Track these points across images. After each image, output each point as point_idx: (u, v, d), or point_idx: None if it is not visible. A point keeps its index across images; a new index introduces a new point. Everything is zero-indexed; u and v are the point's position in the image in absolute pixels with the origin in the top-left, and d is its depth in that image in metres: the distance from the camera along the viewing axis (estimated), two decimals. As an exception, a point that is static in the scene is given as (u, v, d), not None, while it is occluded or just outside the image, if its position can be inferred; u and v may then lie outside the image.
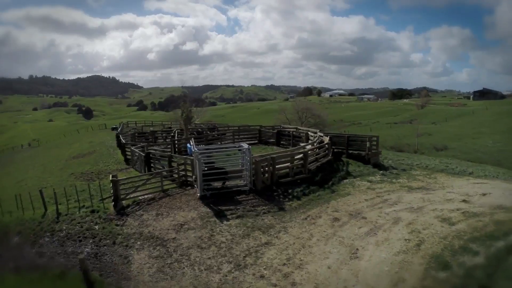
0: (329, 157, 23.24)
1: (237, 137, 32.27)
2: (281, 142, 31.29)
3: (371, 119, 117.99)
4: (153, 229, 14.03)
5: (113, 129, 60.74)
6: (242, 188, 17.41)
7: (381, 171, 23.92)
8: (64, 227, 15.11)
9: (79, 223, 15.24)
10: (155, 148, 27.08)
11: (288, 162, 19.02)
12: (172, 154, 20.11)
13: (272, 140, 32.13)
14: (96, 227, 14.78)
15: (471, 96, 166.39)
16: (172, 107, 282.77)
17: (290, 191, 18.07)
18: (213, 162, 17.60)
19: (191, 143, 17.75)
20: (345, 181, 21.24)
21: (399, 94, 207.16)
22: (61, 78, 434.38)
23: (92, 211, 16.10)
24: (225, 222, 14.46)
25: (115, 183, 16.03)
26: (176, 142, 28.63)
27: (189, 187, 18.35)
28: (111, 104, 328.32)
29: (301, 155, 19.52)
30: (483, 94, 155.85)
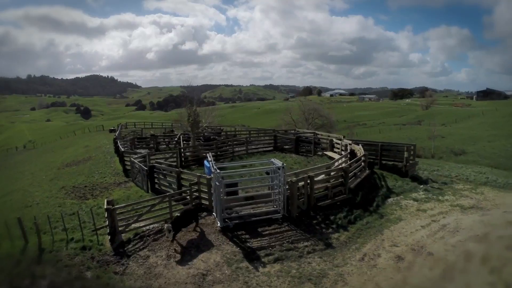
0: (367, 171, 19.54)
1: (249, 143, 28.39)
2: (300, 149, 27.53)
3: (375, 119, 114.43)
4: (166, 283, 10.18)
5: (111, 131, 56.81)
6: (274, 215, 13.63)
7: (422, 185, 20.66)
8: (47, 273, 11.28)
9: (66, 266, 11.43)
10: (159, 159, 23.26)
11: (326, 181, 15.28)
12: (182, 170, 16.25)
13: (288, 146, 28.37)
14: (88, 274, 10.95)
15: (474, 96, 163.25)
16: (170, 107, 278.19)
17: (332, 217, 14.36)
18: (235, 184, 13.80)
19: (209, 159, 13.76)
20: (389, 200, 17.80)
21: (400, 94, 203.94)
22: (60, 77, 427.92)
23: (83, 248, 12.29)
24: (261, 269, 10.66)
25: (111, 212, 12.20)
26: (182, 150, 24.74)
27: (205, 213, 14.59)
28: (110, 104, 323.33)
29: (339, 171, 15.81)
30: (487, 94, 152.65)
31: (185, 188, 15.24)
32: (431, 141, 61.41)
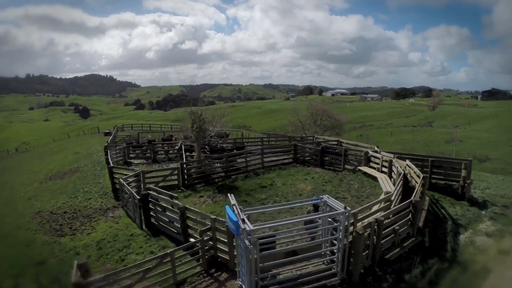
0: (427, 199, 14.98)
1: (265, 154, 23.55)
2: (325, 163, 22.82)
3: (381, 120, 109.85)
4: None
5: (106, 134, 52.07)
6: (329, 281, 8.98)
7: (483, 211, 16.36)
8: None
9: None
10: (156, 178, 18.64)
11: (393, 223, 10.65)
12: (187, 207, 11.53)
13: (310, 158, 23.67)
14: None
15: (479, 96, 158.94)
16: (170, 107, 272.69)
17: (406, 276, 9.78)
18: (273, 235, 9.07)
19: (232, 202, 8.81)
20: (461, 238, 13.54)
21: (403, 93, 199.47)
22: (58, 77, 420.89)
23: None
24: None
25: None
26: (185, 166, 20.00)
27: (221, 272, 9.97)
28: (109, 103, 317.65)
29: (408, 207, 11.19)
30: (492, 94, 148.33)
31: (192, 231, 10.58)
32: (449, 145, 57.02)
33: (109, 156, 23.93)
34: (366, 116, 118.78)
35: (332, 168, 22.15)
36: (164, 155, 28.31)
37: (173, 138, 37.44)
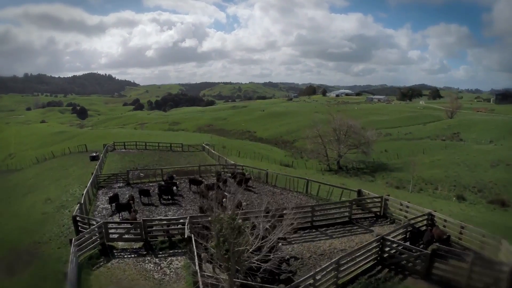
0: None
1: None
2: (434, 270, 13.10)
3: (395, 125, 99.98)
4: None
5: (92, 158, 42.06)
6: None
7: None
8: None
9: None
10: None
11: None
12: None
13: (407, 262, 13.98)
14: None
15: (492, 99, 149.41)
16: (169, 106, 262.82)
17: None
18: None
19: None
20: None
21: (409, 94, 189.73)
22: (57, 76, 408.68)
23: None
24: None
25: None
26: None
27: None
28: (107, 103, 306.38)
29: None
30: (506, 97, 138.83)
31: None
32: (497, 170, 47.40)
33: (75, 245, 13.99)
34: (379, 121, 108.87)
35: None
36: (164, 237, 17.99)
37: (174, 179, 27.47)
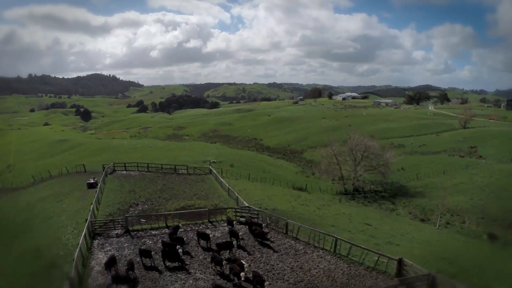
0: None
1: None
2: None
3: (407, 134, 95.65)
4: None
5: (89, 186, 38.41)
6: None
7: None
8: None
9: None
10: None
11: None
12: None
13: None
14: None
15: (503, 105, 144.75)
16: (173, 108, 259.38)
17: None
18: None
19: None
20: None
21: (417, 97, 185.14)
22: (61, 77, 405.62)
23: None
24: None
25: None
26: None
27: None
28: (111, 104, 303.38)
29: None
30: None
31: None
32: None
33: None
34: (389, 129, 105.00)
35: None
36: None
37: (180, 230, 23.70)
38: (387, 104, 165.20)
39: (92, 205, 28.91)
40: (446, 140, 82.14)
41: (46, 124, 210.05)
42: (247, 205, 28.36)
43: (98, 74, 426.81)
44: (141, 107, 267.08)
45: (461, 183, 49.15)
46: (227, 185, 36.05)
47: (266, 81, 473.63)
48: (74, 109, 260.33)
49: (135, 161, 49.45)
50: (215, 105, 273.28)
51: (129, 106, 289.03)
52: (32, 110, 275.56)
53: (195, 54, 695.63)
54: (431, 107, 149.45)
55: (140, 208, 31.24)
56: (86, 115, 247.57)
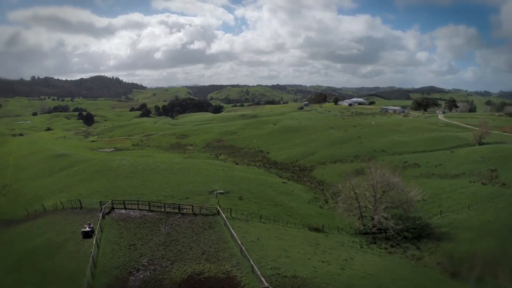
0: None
1: None
2: None
3: (419, 148, 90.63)
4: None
5: (85, 235, 34.51)
6: None
7: None
8: None
9: None
10: None
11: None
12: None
13: None
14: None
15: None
16: (176, 112, 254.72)
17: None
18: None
19: None
20: None
21: (424, 103, 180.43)
22: (64, 79, 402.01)
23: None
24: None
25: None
26: None
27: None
28: (114, 108, 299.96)
29: None
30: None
31: None
32: None
33: None
34: (400, 143, 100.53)
35: None
36: None
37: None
38: (394, 111, 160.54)
39: (87, 274, 24.95)
40: (463, 160, 77.32)
41: (48, 129, 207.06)
42: (266, 285, 24.15)
43: (102, 76, 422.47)
44: (144, 111, 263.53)
45: (488, 221, 44.70)
46: (239, 241, 31.92)
47: (269, 82, 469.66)
48: (77, 113, 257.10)
49: (136, 194, 45.49)
50: (218, 109, 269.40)
51: (132, 109, 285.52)
52: (35, 114, 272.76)
53: (198, 56, 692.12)
54: (440, 116, 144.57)
55: (142, 276, 27.19)
56: (88, 119, 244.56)
